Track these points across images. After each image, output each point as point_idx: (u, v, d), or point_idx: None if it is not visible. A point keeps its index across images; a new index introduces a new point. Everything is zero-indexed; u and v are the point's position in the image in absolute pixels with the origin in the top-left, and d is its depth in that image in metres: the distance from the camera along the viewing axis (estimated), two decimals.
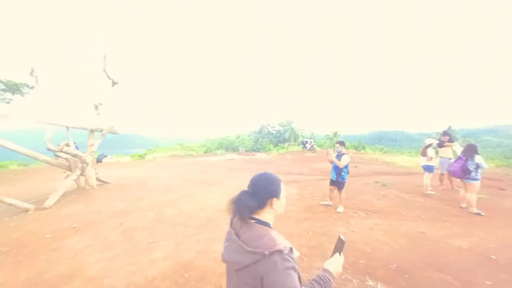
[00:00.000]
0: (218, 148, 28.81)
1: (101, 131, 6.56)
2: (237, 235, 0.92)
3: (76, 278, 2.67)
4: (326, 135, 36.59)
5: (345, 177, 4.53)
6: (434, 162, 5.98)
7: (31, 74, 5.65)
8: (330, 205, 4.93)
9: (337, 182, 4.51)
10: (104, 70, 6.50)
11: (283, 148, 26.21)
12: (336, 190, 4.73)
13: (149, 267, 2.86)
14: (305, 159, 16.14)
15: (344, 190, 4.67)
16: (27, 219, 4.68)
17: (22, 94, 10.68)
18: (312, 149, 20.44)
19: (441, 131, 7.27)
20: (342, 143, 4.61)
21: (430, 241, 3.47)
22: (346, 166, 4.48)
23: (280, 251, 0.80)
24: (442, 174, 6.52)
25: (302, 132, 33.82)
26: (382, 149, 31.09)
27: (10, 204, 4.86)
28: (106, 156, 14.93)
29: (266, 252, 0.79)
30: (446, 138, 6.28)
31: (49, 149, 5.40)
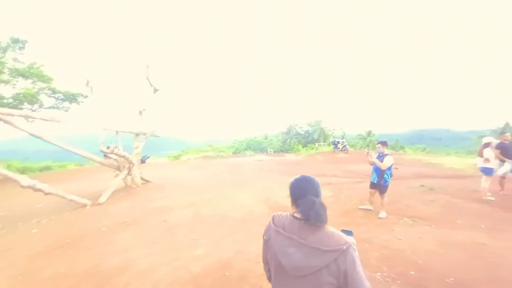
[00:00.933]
0: (246, 149, 29.31)
1: (144, 134, 7.17)
2: (295, 240, 0.91)
3: (128, 270, 2.91)
4: (359, 135, 34.68)
5: (388, 180, 4.22)
6: (493, 164, 5.24)
7: (86, 84, 6.41)
8: (370, 210, 4.64)
9: (379, 185, 4.22)
10: (147, 78, 7.11)
11: (313, 149, 25.51)
12: (377, 194, 4.44)
13: (192, 263, 3.00)
14: (338, 160, 15.48)
15: (386, 194, 4.35)
16: (84, 213, 5.29)
17: (78, 102, 12.17)
18: (345, 150, 19.51)
19: (494, 128, 6.31)
20: (384, 143, 4.30)
21: (492, 254, 3.04)
22: (389, 168, 4.17)
23: (351, 244, 0.87)
24: (503, 178, 5.69)
25: (332, 132, 32.55)
26: (424, 149, 28.38)
27: (70, 200, 5.55)
28: (149, 157, 16.23)
29: (344, 248, 0.85)
30: (507, 136, 5.44)
31: (102, 151, 6.07)
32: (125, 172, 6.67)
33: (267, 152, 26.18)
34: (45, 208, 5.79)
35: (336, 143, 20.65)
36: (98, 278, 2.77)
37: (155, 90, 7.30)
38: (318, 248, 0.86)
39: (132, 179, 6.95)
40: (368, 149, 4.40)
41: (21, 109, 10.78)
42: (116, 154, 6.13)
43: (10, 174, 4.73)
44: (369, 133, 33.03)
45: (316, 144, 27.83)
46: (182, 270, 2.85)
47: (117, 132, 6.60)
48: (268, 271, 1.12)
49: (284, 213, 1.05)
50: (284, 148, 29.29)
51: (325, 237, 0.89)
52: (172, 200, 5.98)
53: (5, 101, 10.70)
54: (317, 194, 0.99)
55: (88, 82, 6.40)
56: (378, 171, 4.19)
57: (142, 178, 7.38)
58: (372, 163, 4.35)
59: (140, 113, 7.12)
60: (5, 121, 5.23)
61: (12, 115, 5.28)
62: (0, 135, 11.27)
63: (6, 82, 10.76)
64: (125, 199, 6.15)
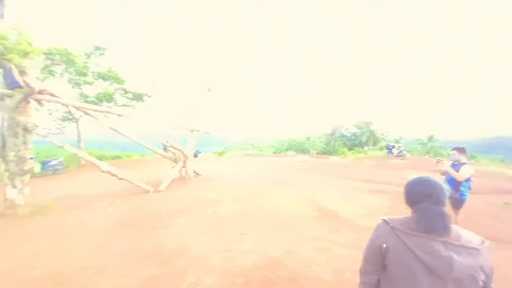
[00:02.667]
0: (287, 149, 28.97)
1: (198, 131, 7.80)
2: (447, 243, 0.83)
3: (184, 254, 3.16)
4: (417, 140, 30.65)
5: (465, 193, 3.59)
6: None
7: (153, 84, 7.27)
8: None
9: (453, 199, 3.62)
10: (202, 79, 7.73)
11: (360, 152, 23.66)
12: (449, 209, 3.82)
13: (241, 257, 3.08)
14: (391, 166, 14.00)
15: (462, 210, 3.71)
16: (147, 198, 6.00)
17: (143, 101, 13.91)
18: (401, 155, 17.45)
19: None
20: (461, 150, 3.67)
21: None
22: (467, 180, 3.54)
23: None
24: None
25: (385, 135, 29.52)
26: (503, 160, 23.41)
27: (137, 185, 6.37)
28: (200, 152, 17.59)
29: (487, 243, 0.84)
30: None
31: (163, 144, 6.82)
32: (181, 164, 7.36)
33: (309, 154, 25.41)
34: (117, 190, 6.78)
35: (390, 147, 18.63)
36: (160, 257, 3.09)
37: (209, 90, 7.86)
38: (476, 248, 0.82)
39: (186, 171, 7.62)
40: (438, 158, 3.80)
41: (101, 106, 12.95)
42: (174, 148, 6.81)
43: (94, 160, 5.68)
44: (430, 138, 28.86)
45: (366, 148, 25.68)
46: (233, 261, 2.96)
47: (175, 127, 7.34)
48: (370, 281, 1.03)
49: (402, 217, 0.96)
50: (328, 150, 27.91)
51: (470, 236, 0.85)
52: (220, 193, 6.31)
53: (89, 99, 12.95)
54: (438, 201, 0.88)
55: (154, 83, 7.24)
56: (453, 183, 3.59)
57: (194, 171, 8.02)
58: (444, 173, 3.75)
59: (195, 111, 7.76)
60: (91, 115, 6.30)
61: (96, 111, 6.35)
62: (84, 128, 13.54)
63: (90, 84, 13.00)
64: (180, 188, 6.77)
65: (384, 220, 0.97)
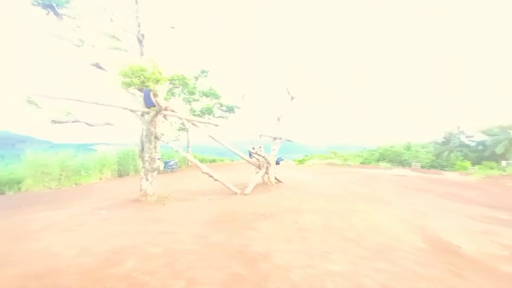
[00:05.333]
0: (379, 160, 25.00)
1: (280, 138, 8.03)
2: None
3: (267, 260, 3.20)
4: None
5: None
6: None
7: (242, 98, 8.11)
8: None
9: None
10: (286, 88, 7.94)
11: (493, 168, 17.36)
12: None
13: (328, 279, 2.81)
14: None
15: None
16: (235, 199, 6.62)
17: (234, 112, 15.88)
18: None
19: None
20: None
21: None
22: None
23: None
24: None
25: None
26: None
27: (227, 187, 7.15)
28: (282, 160, 18.16)
29: None
30: None
31: (249, 151, 7.43)
32: (264, 170, 7.75)
33: (410, 166, 20.95)
34: (212, 189, 7.87)
35: None
36: (245, 258, 3.26)
37: (292, 98, 7.98)
38: None
39: (268, 177, 7.95)
40: None
41: (203, 118, 15.75)
42: (258, 155, 7.27)
43: (198, 162, 6.84)
44: None
45: (503, 163, 18.66)
46: (318, 281, 2.74)
47: (260, 136, 7.85)
48: None
49: None
50: (438, 164, 22.07)
51: None
52: (301, 203, 6.14)
53: (195, 113, 15.99)
54: None
55: (243, 96, 8.06)
56: None
57: (276, 178, 8.25)
58: None
59: (278, 119, 8.05)
60: (196, 126, 7.64)
61: (200, 122, 7.65)
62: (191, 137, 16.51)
63: (197, 101, 16.04)
64: (262, 194, 7.10)
65: None
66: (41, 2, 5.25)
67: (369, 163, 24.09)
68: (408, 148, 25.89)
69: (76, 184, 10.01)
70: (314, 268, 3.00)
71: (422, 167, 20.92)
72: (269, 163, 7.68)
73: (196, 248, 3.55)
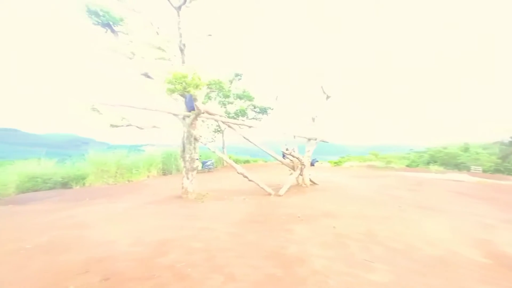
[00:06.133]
0: (429, 163, 22.25)
1: (315, 139, 7.80)
2: None
3: (304, 264, 3.13)
4: None
5: None
6: None
7: (275, 99, 8.12)
8: None
9: None
10: (321, 87, 7.69)
11: None
12: None
13: None
14: None
15: None
16: (269, 200, 6.64)
17: (267, 114, 15.98)
18: None
19: None
20: None
21: None
22: None
23: None
24: None
25: None
26: None
27: (262, 187, 7.22)
28: (317, 161, 17.63)
29: None
30: None
31: (282, 152, 7.39)
32: (298, 172, 7.62)
33: (469, 171, 18.21)
34: (246, 189, 8.02)
35: None
36: (281, 259, 3.25)
37: (328, 97, 7.67)
38: None
39: (303, 179, 7.78)
40: None
41: (237, 120, 16.25)
42: (292, 156, 7.18)
43: (232, 163, 7.06)
44: None
45: None
46: None
47: (294, 136, 7.73)
48: None
49: None
50: (505, 168, 18.69)
51: None
52: (339, 207, 5.86)
53: (230, 115, 16.55)
54: None
55: (276, 97, 8.06)
56: None
57: (310, 180, 8.03)
58: None
59: (313, 119, 7.83)
60: (231, 127, 7.90)
61: (235, 124, 7.90)
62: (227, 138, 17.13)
63: (231, 103, 16.58)
64: (296, 195, 6.98)
65: None
66: (100, 21, 6.08)
67: (417, 166, 21.70)
68: (466, 149, 22.56)
69: (128, 180, 11.26)
70: (354, 277, 2.84)
71: (484, 171, 17.98)
72: (303, 165, 7.52)
73: (233, 245, 3.67)
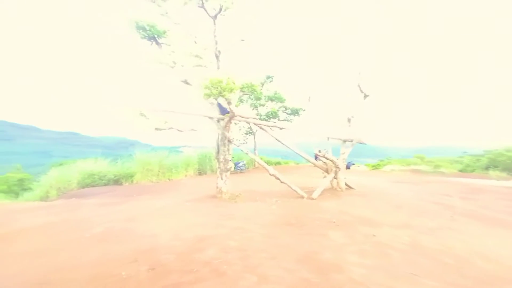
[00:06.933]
0: (487, 168, 19.19)
1: (351, 141, 7.41)
2: None
3: (341, 272, 2.98)
4: None
5: None
6: None
7: (308, 100, 7.95)
8: None
9: None
10: (358, 86, 7.28)
11: None
12: None
13: None
14: None
15: None
16: (302, 203, 6.51)
17: (299, 115, 15.73)
18: None
19: None
20: None
21: None
22: None
23: None
24: None
25: None
26: None
27: (294, 190, 7.12)
28: (353, 164, 16.73)
29: None
30: None
31: (315, 154, 7.18)
32: (332, 175, 7.32)
33: None
34: (278, 191, 7.99)
35: None
36: (316, 265, 3.16)
37: (365, 96, 7.23)
38: None
39: (338, 182, 7.45)
40: None
41: (269, 121, 16.34)
42: (326, 158, 6.92)
43: (265, 165, 7.13)
44: None
45: None
46: None
47: (328, 138, 7.46)
48: None
49: None
50: None
51: None
52: (378, 214, 5.47)
53: (261, 117, 16.71)
54: None
55: (309, 98, 7.89)
56: None
57: (346, 184, 7.65)
58: None
59: (349, 120, 7.45)
60: (263, 129, 7.97)
61: (267, 126, 7.96)
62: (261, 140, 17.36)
63: (263, 105, 16.74)
64: (331, 199, 6.71)
65: None
66: (147, 35, 6.75)
67: (473, 171, 18.94)
68: None
69: (168, 179, 12.21)
70: None
71: None
72: (338, 167, 7.19)
73: (266, 247, 3.71)
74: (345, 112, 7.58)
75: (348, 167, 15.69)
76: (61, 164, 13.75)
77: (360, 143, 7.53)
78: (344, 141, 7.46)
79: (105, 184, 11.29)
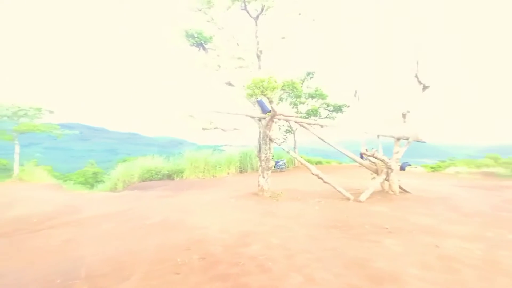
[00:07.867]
0: None
1: (407, 139, 6.63)
2: None
3: (398, 283, 2.71)
4: None
5: None
6: None
7: (354, 95, 7.41)
8: None
9: None
10: (416, 76, 6.46)
11: None
12: None
13: None
14: None
15: None
16: (348, 205, 6.13)
17: (342, 112, 14.81)
18: None
19: None
20: None
21: None
22: None
23: None
24: None
25: None
26: None
27: (338, 191, 6.75)
28: (409, 165, 15.00)
29: None
30: None
31: (362, 153, 6.66)
32: (383, 176, 6.68)
33: None
34: (320, 191, 7.69)
35: None
36: (367, 272, 2.94)
37: (425, 88, 6.34)
38: None
39: (390, 185, 6.76)
40: None
41: (310, 119, 15.83)
42: (375, 157, 6.35)
43: (307, 164, 6.94)
44: None
45: None
46: None
47: (378, 136, 6.83)
48: None
49: None
50: None
51: None
52: (442, 222, 4.78)
53: (301, 115, 16.29)
54: None
55: (356, 92, 7.35)
56: None
57: (400, 187, 6.89)
58: None
59: (404, 115, 6.66)
60: (304, 127, 7.77)
61: (309, 124, 7.73)
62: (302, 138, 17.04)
63: (303, 103, 16.29)
64: (382, 203, 6.15)
65: None
66: (195, 42, 7.28)
67: None
68: None
69: (213, 176, 13.01)
70: None
71: None
72: (390, 168, 6.50)
73: (310, 248, 3.62)
74: (399, 106, 6.78)
75: (402, 169, 14.06)
76: (125, 161, 16.01)
77: (417, 141, 6.65)
78: (398, 138, 6.69)
79: (160, 179, 12.68)
